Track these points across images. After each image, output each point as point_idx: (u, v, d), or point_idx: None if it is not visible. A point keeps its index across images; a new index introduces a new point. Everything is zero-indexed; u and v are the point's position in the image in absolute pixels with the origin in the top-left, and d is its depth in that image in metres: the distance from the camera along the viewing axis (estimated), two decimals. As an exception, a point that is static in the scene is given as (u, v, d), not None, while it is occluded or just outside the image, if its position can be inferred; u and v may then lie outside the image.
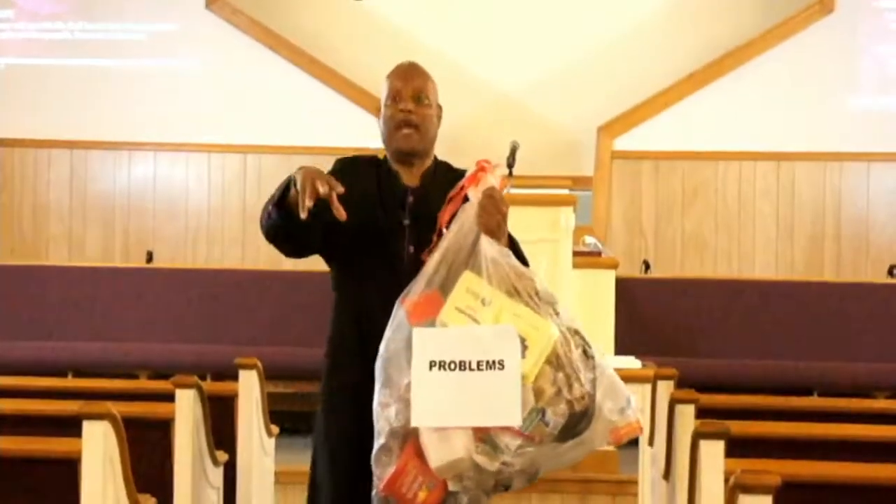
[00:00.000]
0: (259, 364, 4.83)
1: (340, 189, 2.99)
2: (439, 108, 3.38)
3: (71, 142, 8.75)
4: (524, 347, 2.88)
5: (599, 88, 9.08)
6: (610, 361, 5.97)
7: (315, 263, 3.57)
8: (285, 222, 3.12)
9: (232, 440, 4.70)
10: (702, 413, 4.00)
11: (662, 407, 4.47)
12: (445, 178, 3.28)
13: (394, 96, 3.31)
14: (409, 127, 3.27)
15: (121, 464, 3.47)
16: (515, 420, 2.84)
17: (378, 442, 2.94)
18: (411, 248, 3.21)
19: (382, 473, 2.93)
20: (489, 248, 2.98)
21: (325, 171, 3.19)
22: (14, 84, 8.82)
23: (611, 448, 4.93)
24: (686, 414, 4.03)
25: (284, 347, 6.89)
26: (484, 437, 2.86)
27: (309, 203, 2.93)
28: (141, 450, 3.88)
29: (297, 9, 9.30)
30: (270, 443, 5.06)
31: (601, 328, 6.37)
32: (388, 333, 2.98)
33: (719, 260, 8.48)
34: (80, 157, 8.79)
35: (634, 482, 5.55)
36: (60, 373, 6.75)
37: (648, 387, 5.00)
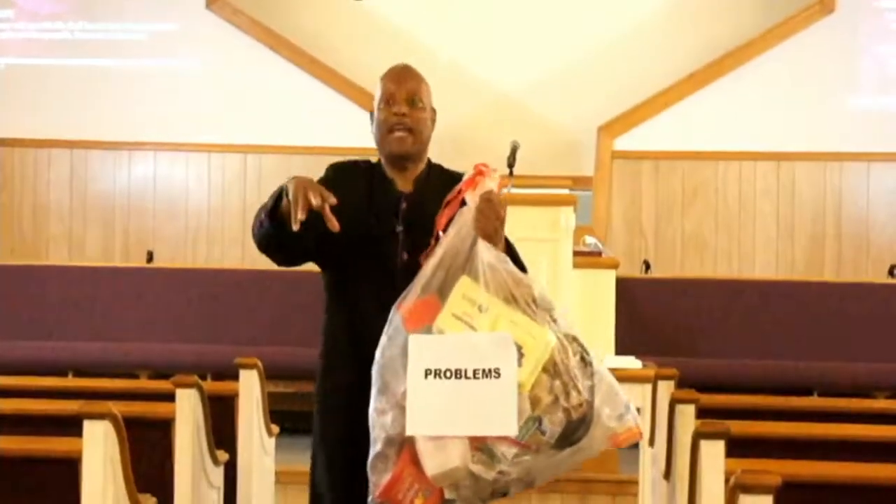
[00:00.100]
0: (259, 364, 4.83)
1: (333, 200, 2.95)
2: (433, 111, 3.35)
3: (71, 142, 8.75)
4: (521, 355, 2.85)
5: (599, 88, 9.08)
6: (610, 361, 6.02)
7: (315, 264, 3.56)
8: (277, 232, 3.09)
9: (232, 440, 4.70)
10: (702, 413, 4.00)
11: (663, 407, 4.47)
12: (439, 181, 3.25)
13: (387, 99, 3.27)
14: (402, 130, 3.24)
15: (121, 463, 3.47)
16: (511, 430, 2.81)
17: (374, 449, 2.92)
18: (405, 255, 3.18)
19: (378, 480, 2.91)
20: (486, 253, 2.95)
21: (317, 179, 3.17)
22: (14, 84, 8.82)
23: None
24: (686, 414, 4.03)
25: (284, 347, 6.89)
26: (480, 445, 2.84)
27: (301, 215, 2.90)
28: (141, 449, 3.88)
29: (298, 9, 9.30)
30: (271, 442, 5.06)
31: (601, 328, 6.37)
32: (383, 339, 2.95)
33: (719, 260, 8.48)
34: (81, 156, 8.79)
35: (635, 482, 5.55)
36: (61, 372, 6.75)
37: (649, 387, 5.00)
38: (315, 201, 2.91)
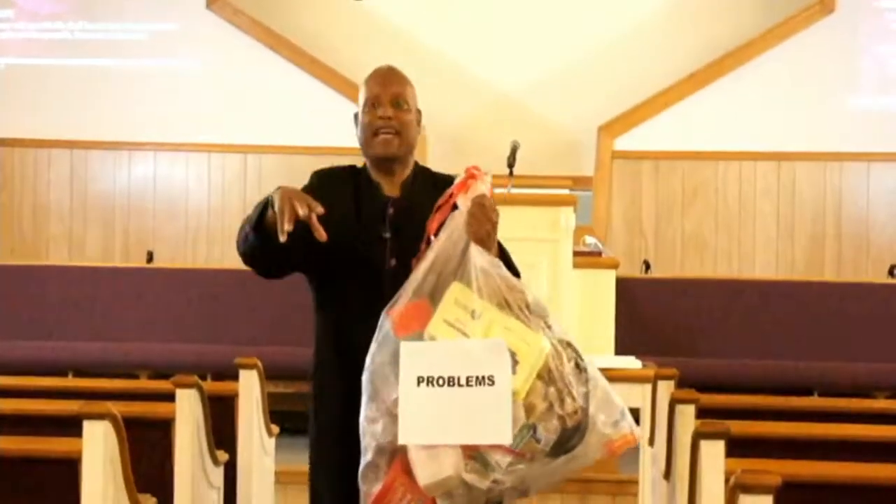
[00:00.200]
0: (259, 364, 4.83)
1: (320, 210, 2.91)
2: (419, 112, 3.29)
3: (71, 142, 8.75)
4: (515, 362, 2.79)
5: (599, 88, 9.08)
6: (610, 361, 6.01)
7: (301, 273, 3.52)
8: (264, 244, 3.05)
9: (232, 440, 4.70)
10: (702, 413, 4.00)
11: (663, 407, 4.47)
12: (426, 185, 3.22)
13: (372, 102, 3.22)
14: (388, 133, 3.19)
15: (121, 463, 3.47)
16: (506, 438, 2.76)
17: (365, 458, 2.86)
18: (393, 261, 3.14)
19: (370, 490, 2.86)
20: (479, 257, 2.89)
21: (303, 187, 3.14)
22: (14, 84, 8.82)
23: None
24: (686, 414, 4.03)
25: (285, 347, 6.88)
26: (474, 454, 2.78)
27: (288, 227, 2.85)
28: (141, 449, 3.88)
29: (298, 9, 9.30)
30: (271, 442, 5.06)
31: (601, 328, 6.37)
32: (373, 346, 2.89)
33: (719, 260, 8.48)
34: (81, 156, 8.79)
35: (635, 482, 5.55)
36: (61, 372, 6.75)
37: (649, 387, 5.00)
38: (302, 212, 2.87)
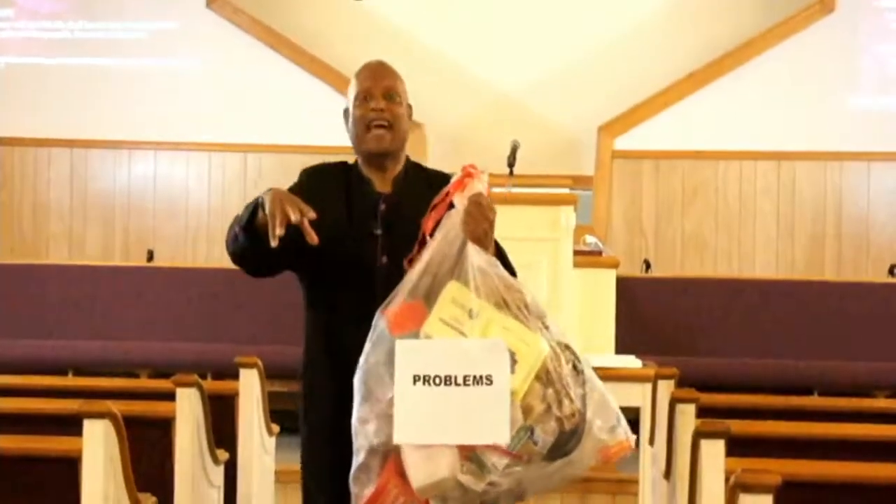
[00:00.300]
0: (259, 363, 4.83)
1: (312, 214, 2.87)
2: (409, 107, 3.26)
3: (71, 141, 8.75)
4: (513, 362, 2.76)
5: (599, 88, 9.08)
6: (610, 361, 6.01)
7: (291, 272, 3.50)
8: (253, 245, 3.01)
9: (232, 439, 4.70)
10: (702, 412, 4.00)
11: (663, 406, 4.47)
12: (418, 181, 3.20)
13: (364, 96, 3.20)
14: (381, 128, 3.16)
15: (121, 462, 3.47)
16: (504, 438, 2.72)
17: (357, 460, 2.82)
18: (384, 258, 3.10)
19: (361, 493, 2.82)
20: (476, 257, 2.85)
21: (292, 185, 3.14)
22: (14, 83, 8.82)
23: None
24: (686, 413, 4.03)
25: (285, 346, 6.87)
26: (470, 455, 2.74)
27: (280, 231, 2.82)
28: (141, 448, 3.87)
29: (298, 8, 9.30)
30: (271, 441, 5.06)
31: (602, 327, 6.37)
32: (367, 346, 2.84)
33: (719, 259, 8.48)
34: (80, 155, 8.79)
35: (635, 481, 5.55)
36: (61, 371, 6.75)
37: (649, 386, 5.00)
38: (294, 216, 2.84)
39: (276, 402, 5.60)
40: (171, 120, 8.72)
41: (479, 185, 2.93)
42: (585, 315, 6.30)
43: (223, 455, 4.53)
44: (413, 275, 2.87)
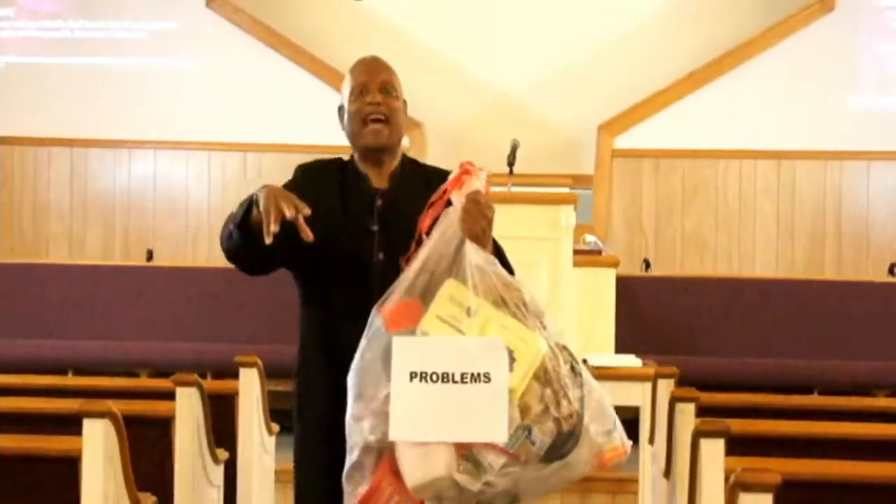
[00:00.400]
0: (259, 362, 4.83)
1: (307, 211, 2.86)
2: (405, 102, 3.24)
3: (71, 140, 8.75)
4: (512, 360, 2.73)
5: (599, 88, 9.08)
6: (610, 360, 6.01)
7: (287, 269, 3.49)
8: (248, 243, 3.00)
9: (232, 438, 4.70)
10: (702, 411, 4.00)
11: (663, 405, 4.47)
12: (415, 176, 3.18)
13: (360, 90, 3.19)
14: (378, 122, 3.15)
15: (121, 462, 3.47)
16: (501, 436, 2.69)
17: (350, 458, 2.80)
18: (381, 255, 3.08)
19: (354, 491, 2.80)
20: (474, 255, 2.82)
21: (287, 182, 3.13)
22: (14, 82, 8.82)
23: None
24: (686, 412, 4.03)
25: (285, 345, 6.83)
26: (466, 454, 2.71)
27: (275, 228, 2.81)
28: (141, 448, 3.87)
29: (298, 8, 9.30)
30: (271, 441, 5.06)
31: (602, 327, 6.38)
32: (363, 343, 2.82)
33: (719, 258, 8.48)
34: (81, 155, 8.79)
35: (635, 480, 5.55)
36: (61, 371, 6.75)
37: (649, 385, 5.00)
38: (289, 213, 2.83)
39: (276, 402, 5.59)
40: (171, 120, 8.72)
41: (478, 183, 2.90)
42: (585, 314, 6.30)
43: (223, 454, 4.53)
44: (410, 273, 2.85)
